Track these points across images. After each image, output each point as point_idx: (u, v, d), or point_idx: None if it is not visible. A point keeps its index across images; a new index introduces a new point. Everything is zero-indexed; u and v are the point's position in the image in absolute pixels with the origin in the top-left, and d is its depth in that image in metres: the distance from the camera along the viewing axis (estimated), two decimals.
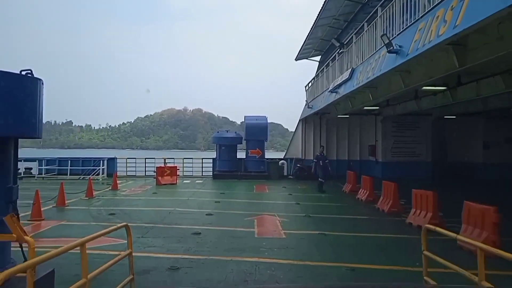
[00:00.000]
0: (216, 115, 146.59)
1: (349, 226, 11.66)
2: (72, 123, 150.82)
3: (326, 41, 23.83)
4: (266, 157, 26.50)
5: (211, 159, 27.00)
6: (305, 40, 25.44)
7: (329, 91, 17.47)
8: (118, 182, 20.77)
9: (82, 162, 26.25)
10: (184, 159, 27.22)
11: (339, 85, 15.43)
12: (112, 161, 26.50)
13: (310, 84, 25.30)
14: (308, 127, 27.24)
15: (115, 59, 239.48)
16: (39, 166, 25.83)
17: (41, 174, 25.42)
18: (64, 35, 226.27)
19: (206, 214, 12.79)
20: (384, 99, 15.69)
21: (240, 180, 24.51)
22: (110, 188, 19.60)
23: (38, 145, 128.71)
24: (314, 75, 25.53)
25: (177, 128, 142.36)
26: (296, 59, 27.45)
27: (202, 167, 27.10)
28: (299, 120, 27.43)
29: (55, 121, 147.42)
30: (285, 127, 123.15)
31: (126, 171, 26.94)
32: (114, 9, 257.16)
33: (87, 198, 16.35)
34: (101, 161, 25.38)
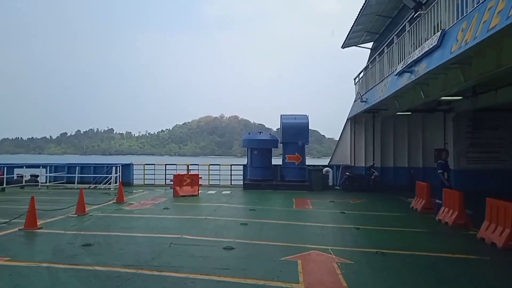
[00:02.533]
0: (252, 121, 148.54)
1: (459, 274, 7.03)
2: (113, 130, 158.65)
3: (384, 17, 19.19)
4: (307, 163, 22.02)
5: (242, 166, 22.80)
6: (355, 21, 20.89)
7: (396, 74, 12.87)
8: (131, 192, 17.01)
9: (93, 169, 22.70)
10: (211, 166, 23.13)
11: (418, 60, 10.84)
12: (127, 167, 22.79)
13: (361, 75, 20.68)
14: (359, 127, 22.53)
15: (153, 68, 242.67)
16: (46, 173, 22.52)
17: (47, 182, 22.06)
18: (104, 47, 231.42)
19: (224, 248, 8.51)
20: (480, 80, 10.93)
21: (276, 191, 20.18)
22: (114, 200, 15.75)
23: (81, 152, 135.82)
24: (364, 66, 20.87)
25: (213, 135, 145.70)
26: (343, 47, 22.94)
27: (231, 174, 22.93)
28: (347, 119, 22.78)
29: (97, 129, 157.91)
30: (322, 133, 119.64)
31: (144, 179, 23.19)
32: (150, 20, 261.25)
33: (77, 215, 12.51)
34: (114, 167, 21.65)
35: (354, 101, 22.11)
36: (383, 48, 15.54)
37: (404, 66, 11.78)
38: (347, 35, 22.07)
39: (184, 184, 18.17)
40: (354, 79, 22.00)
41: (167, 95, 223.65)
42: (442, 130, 20.79)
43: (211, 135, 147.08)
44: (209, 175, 22.79)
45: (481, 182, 18.56)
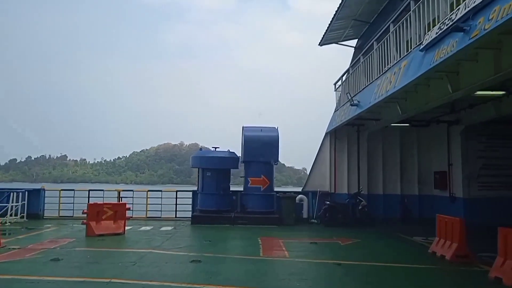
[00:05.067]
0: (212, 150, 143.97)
1: None
2: (67, 157, 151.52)
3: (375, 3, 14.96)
4: (275, 190, 17.07)
5: (191, 192, 17.52)
6: (335, 15, 16.61)
7: (424, 48, 8.27)
8: (31, 229, 11.44)
9: None
10: (149, 192, 17.68)
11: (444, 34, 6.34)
12: (36, 194, 16.95)
13: (344, 77, 16.22)
14: (340, 144, 17.91)
15: (111, 94, 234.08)
16: None
17: None
18: (59, 69, 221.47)
19: None
20: None
21: (235, 227, 15.04)
22: None
23: (30, 179, 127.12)
24: (351, 64, 16.53)
25: (172, 162, 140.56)
26: (321, 44, 18.59)
27: (176, 204, 17.53)
28: (326, 134, 18.13)
29: (49, 155, 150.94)
30: (282, 161, 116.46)
31: (59, 209, 17.40)
32: (110, 45, 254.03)
33: None
34: (13, 194, 15.73)
35: (335, 111, 17.57)
36: (387, 28, 11.08)
37: (447, 27, 7.17)
38: (326, 29, 17.68)
39: (104, 218, 12.69)
40: (335, 83, 17.54)
41: (126, 121, 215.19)
42: (445, 148, 16.50)
43: (169, 162, 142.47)
44: (147, 204, 17.31)
45: (496, 213, 14.23)
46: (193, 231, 14.43)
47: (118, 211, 13.05)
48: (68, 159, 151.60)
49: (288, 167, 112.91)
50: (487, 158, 15.61)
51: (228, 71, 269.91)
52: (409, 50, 9.63)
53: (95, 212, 12.61)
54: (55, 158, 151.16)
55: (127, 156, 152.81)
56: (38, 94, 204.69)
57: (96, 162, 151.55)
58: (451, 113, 14.71)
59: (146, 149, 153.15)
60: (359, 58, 13.67)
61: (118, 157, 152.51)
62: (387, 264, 9.26)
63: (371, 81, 12.37)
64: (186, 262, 8.81)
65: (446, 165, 16.49)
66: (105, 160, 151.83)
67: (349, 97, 13.08)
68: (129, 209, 13.78)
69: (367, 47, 13.26)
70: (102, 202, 13.49)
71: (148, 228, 14.50)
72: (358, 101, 13.05)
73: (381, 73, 11.54)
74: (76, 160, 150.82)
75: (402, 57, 9.79)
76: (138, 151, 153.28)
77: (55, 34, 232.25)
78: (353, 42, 18.51)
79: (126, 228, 13.29)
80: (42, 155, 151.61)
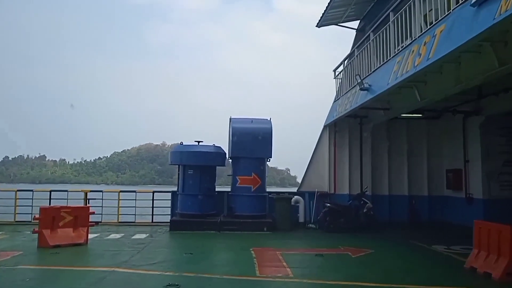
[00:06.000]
0: None
1: None
2: (46, 157, 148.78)
3: None
4: (267, 190, 14.88)
5: (170, 193, 15.20)
6: None
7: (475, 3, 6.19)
8: None
9: None
10: (121, 193, 15.30)
11: None
12: None
13: (346, 62, 14.15)
14: (341, 138, 15.81)
15: (92, 93, 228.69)
16: None
17: None
18: (39, 68, 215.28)
19: None
20: None
21: (221, 234, 12.82)
22: None
23: (8, 180, 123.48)
24: (357, 45, 14.48)
25: (154, 163, 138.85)
26: (318, 25, 16.47)
27: (152, 207, 15.16)
28: (324, 126, 16.01)
29: (27, 155, 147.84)
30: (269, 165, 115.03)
31: (15, 213, 14.89)
32: (92, 44, 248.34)
33: None
34: None
35: (335, 101, 15.48)
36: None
37: None
38: (325, 10, 15.57)
39: (61, 225, 10.33)
40: (334, 70, 15.44)
41: (107, 121, 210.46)
42: (460, 143, 14.56)
43: (151, 163, 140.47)
44: (118, 207, 14.93)
45: None
46: (172, 239, 12.18)
47: (80, 216, 10.70)
48: (47, 159, 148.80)
49: (271, 167, 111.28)
50: (510, 153, 13.69)
51: (211, 71, 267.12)
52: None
53: (49, 217, 10.24)
54: (33, 158, 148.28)
55: (108, 157, 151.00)
56: (17, 92, 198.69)
57: (76, 162, 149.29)
58: (471, 102, 12.81)
59: (128, 149, 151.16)
60: (369, 35, 11.57)
61: (99, 157, 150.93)
62: (421, 286, 7.14)
63: (387, 59, 10.27)
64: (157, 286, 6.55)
65: (461, 162, 14.54)
66: (85, 161, 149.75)
67: (359, 80, 10.95)
68: (93, 213, 11.42)
69: (379, 22, 11.15)
70: (59, 206, 11.07)
71: (118, 236, 12.15)
72: (369, 85, 10.94)
73: (401, 48, 9.46)
74: (55, 161, 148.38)
75: (438, 21, 7.69)
76: (119, 151, 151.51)
77: (37, 32, 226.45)
78: (354, 24, 16.46)
79: (90, 236, 11.01)
80: (20, 155, 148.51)
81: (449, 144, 15.41)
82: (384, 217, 14.98)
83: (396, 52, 9.67)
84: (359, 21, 16.25)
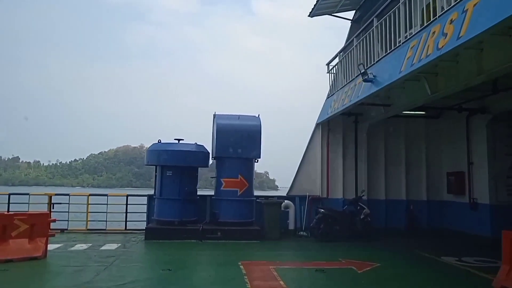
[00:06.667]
0: None
1: None
2: (19, 159, 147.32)
3: None
4: (255, 194, 13.47)
5: (146, 197, 13.63)
6: None
7: None
8: None
9: None
10: (91, 196, 13.64)
11: None
12: None
13: (341, 55, 12.91)
14: (334, 138, 14.54)
15: (69, 94, 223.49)
16: None
17: None
18: (17, 68, 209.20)
19: None
20: None
21: (203, 244, 11.35)
22: None
23: None
24: (356, 34, 13.25)
25: (132, 165, 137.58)
26: (311, 15, 15.19)
27: (126, 212, 13.54)
28: (316, 125, 14.72)
29: (0, 157, 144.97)
30: None
31: None
32: (69, 44, 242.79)
33: None
34: None
35: (328, 97, 14.22)
36: None
37: None
38: (316, 2, 14.30)
39: (14, 236, 8.68)
40: (328, 64, 14.17)
41: (84, 123, 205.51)
42: (464, 143, 13.46)
43: (129, 165, 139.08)
44: (87, 212, 13.29)
45: None
46: (147, 251, 10.64)
47: (37, 224, 9.06)
48: (20, 161, 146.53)
49: (259, 173, 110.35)
50: None
51: (192, 73, 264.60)
52: None
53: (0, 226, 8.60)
54: (6, 159, 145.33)
55: (84, 159, 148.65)
56: None
57: (51, 164, 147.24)
58: (477, 99, 11.73)
59: (105, 151, 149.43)
60: (372, 20, 10.31)
61: (75, 159, 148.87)
62: None
63: (396, 46, 9.02)
64: None
65: (464, 164, 13.43)
66: (60, 162, 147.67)
67: (362, 69, 9.66)
68: (54, 221, 9.79)
69: (385, 5, 9.91)
70: (12, 212, 9.43)
71: (84, 246, 10.53)
72: (374, 76, 9.68)
73: (414, 32, 8.22)
74: (30, 162, 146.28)
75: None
76: (96, 153, 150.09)
77: (13, 33, 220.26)
78: (349, 15, 15.24)
79: (51, 248, 9.41)
80: None
81: (450, 145, 14.31)
82: (381, 224, 13.79)
83: (409, 37, 8.43)
84: (354, 11, 15.03)
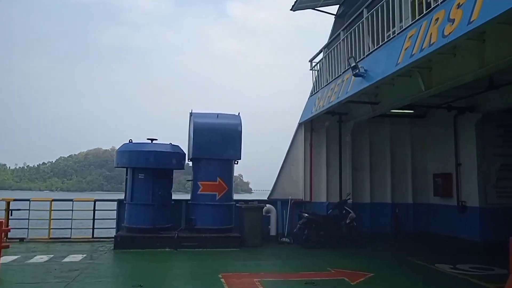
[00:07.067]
0: None
1: None
2: None
3: None
4: (235, 198, 12.57)
5: (115, 202, 12.53)
6: None
7: None
8: None
9: None
10: (54, 201, 12.45)
11: None
12: None
13: (324, 52, 12.21)
14: (318, 139, 13.84)
15: (35, 96, 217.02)
16: None
17: None
18: None
19: None
20: None
21: (179, 253, 10.38)
22: None
23: None
24: (343, 27, 12.59)
25: (103, 168, 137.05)
26: (293, 9, 14.43)
27: (93, 219, 12.41)
28: (299, 124, 13.97)
29: None
30: None
31: None
32: (36, 44, 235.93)
33: None
34: None
35: (311, 95, 13.50)
36: None
37: None
38: None
39: None
40: (311, 60, 13.43)
41: (52, 125, 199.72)
42: (451, 143, 12.98)
43: (100, 168, 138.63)
44: (50, 219, 12.09)
45: None
46: (116, 262, 9.60)
47: None
48: None
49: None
50: (506, 156, 12.25)
51: (166, 75, 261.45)
52: None
53: None
54: None
55: (53, 162, 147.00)
56: None
57: (17, 167, 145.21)
58: (467, 97, 11.24)
59: (75, 154, 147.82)
60: (362, 11, 9.62)
61: (43, 163, 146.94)
62: None
63: (390, 38, 8.34)
64: None
65: (451, 165, 12.95)
66: (27, 166, 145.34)
67: (353, 63, 8.94)
68: (8, 230, 8.68)
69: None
70: None
71: (44, 258, 9.38)
72: (365, 70, 8.97)
73: (411, 22, 7.54)
74: None
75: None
76: (66, 156, 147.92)
77: None
78: (333, 9, 14.59)
79: (6, 260, 8.32)
80: None
81: (437, 146, 13.84)
82: (366, 228, 13.11)
83: (405, 26, 7.75)
84: (338, 6, 14.39)
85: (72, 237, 12.11)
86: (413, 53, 7.09)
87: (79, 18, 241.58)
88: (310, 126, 13.72)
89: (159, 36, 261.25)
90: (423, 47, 6.79)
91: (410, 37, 7.37)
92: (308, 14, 14.31)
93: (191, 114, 12.36)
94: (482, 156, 12.07)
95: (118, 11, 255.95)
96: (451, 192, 12.95)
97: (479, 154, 12.05)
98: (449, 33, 6.10)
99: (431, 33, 6.64)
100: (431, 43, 6.54)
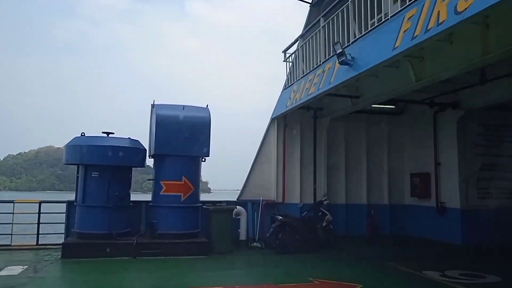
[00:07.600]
0: None
1: None
2: None
3: None
4: (202, 199, 11.36)
5: (65, 204, 11.00)
6: None
7: None
8: None
9: None
10: None
11: None
12: None
13: (299, 43, 11.29)
14: (291, 135, 12.88)
15: None
16: None
17: None
18: None
19: None
20: None
21: (138, 263, 9.08)
22: None
23: None
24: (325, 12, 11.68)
25: (55, 167, 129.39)
26: None
27: (38, 223, 10.83)
28: (271, 119, 12.96)
29: None
30: None
31: None
32: None
33: None
34: None
35: (285, 88, 12.53)
36: None
37: None
38: None
39: None
40: (284, 51, 12.45)
41: (0, 121, 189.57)
42: (431, 142, 12.39)
43: (52, 167, 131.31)
44: None
45: (502, 229, 10.52)
46: (64, 275, 8.22)
47: None
48: None
49: None
50: (488, 155, 11.79)
51: (124, 72, 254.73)
52: None
53: None
54: None
55: (1, 160, 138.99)
56: None
57: None
58: (449, 93, 10.65)
59: (24, 152, 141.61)
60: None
61: None
62: None
63: (383, 20, 7.46)
64: None
65: (430, 165, 12.38)
66: None
67: (339, 49, 8.00)
68: None
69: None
70: None
71: None
72: (353, 57, 8.05)
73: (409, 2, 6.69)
74: None
75: None
76: (15, 154, 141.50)
77: None
78: None
79: None
80: None
81: (414, 144, 13.27)
82: (341, 231, 12.32)
83: (403, 6, 6.89)
84: None
85: (12, 244, 10.50)
86: (415, 35, 6.21)
87: (31, 10, 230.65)
88: (283, 122, 12.75)
89: (116, 31, 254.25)
90: (428, 28, 5.92)
91: (409, 18, 6.50)
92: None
93: (153, 105, 11.04)
94: (463, 155, 11.54)
95: (75, 5, 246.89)
96: (429, 192, 12.39)
97: (460, 153, 11.52)
98: (465, 9, 5.24)
99: (438, 11, 5.78)
100: (440, 22, 5.67)
